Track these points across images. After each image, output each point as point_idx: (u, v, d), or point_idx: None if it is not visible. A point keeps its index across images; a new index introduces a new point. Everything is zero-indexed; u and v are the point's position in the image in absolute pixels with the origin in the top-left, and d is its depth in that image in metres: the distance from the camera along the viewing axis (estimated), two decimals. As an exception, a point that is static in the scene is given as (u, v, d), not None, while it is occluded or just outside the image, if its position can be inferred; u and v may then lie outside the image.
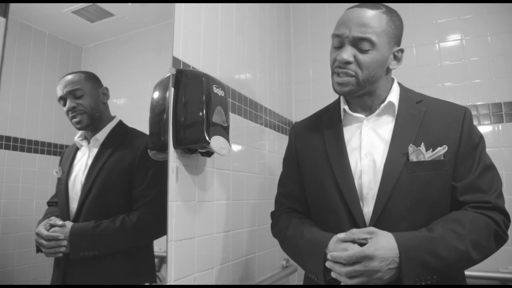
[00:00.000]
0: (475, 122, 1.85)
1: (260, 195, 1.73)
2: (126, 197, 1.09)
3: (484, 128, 1.83)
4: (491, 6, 1.90)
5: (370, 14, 0.96)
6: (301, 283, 2.05)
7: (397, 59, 1.03)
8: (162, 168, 1.14)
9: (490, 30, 1.89)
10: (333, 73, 1.02)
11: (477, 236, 0.88)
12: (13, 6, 0.87)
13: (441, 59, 1.96)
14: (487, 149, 1.01)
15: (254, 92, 1.75)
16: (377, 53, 0.96)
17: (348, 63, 0.97)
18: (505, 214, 0.94)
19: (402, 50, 1.03)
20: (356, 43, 0.96)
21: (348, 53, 0.96)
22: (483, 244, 0.88)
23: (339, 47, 1.00)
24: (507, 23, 1.87)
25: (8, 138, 0.88)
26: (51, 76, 0.99)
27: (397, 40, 1.01)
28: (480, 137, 1.00)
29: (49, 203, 0.99)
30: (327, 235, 0.95)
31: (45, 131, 0.97)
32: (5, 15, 0.85)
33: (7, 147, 0.87)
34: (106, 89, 1.08)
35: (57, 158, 1.01)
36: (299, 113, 2.23)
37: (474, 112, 1.87)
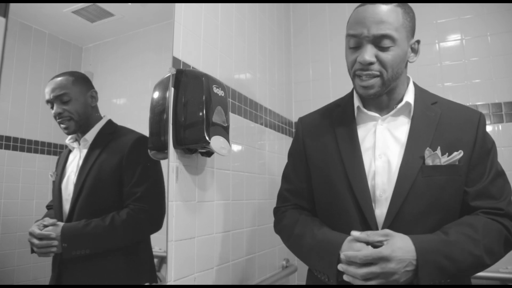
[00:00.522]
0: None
1: (260, 195, 1.73)
2: (117, 195, 1.09)
3: (484, 128, 1.83)
4: (491, 6, 1.90)
5: (386, 9, 0.92)
6: (301, 283, 2.05)
7: (415, 51, 1.00)
8: (151, 164, 1.14)
9: (490, 30, 1.89)
10: (354, 75, 0.98)
11: (490, 241, 0.87)
12: (13, 6, 0.87)
13: (441, 59, 1.96)
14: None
15: (254, 92, 1.75)
16: (398, 49, 0.93)
17: (371, 63, 0.93)
18: None
19: (418, 41, 1.00)
20: (377, 41, 0.92)
21: (369, 53, 0.92)
22: (495, 250, 0.88)
23: (356, 47, 0.96)
24: (507, 23, 1.86)
25: (8, 138, 0.88)
26: (51, 76, 0.99)
27: (413, 32, 0.99)
28: (493, 143, 0.99)
29: (48, 207, 0.99)
30: (340, 235, 0.93)
31: (45, 131, 0.97)
32: (5, 15, 0.85)
33: (7, 147, 0.87)
34: (95, 92, 1.07)
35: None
36: (299, 113, 2.21)
37: (474, 112, 1.87)
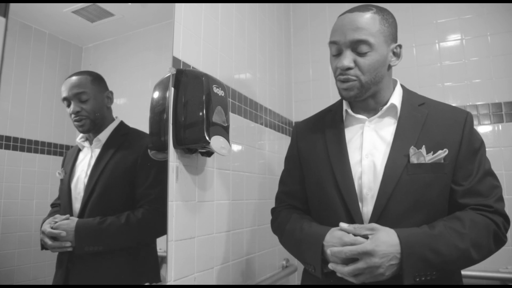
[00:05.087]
0: (475, 122, 1.86)
1: (260, 195, 1.73)
2: (128, 196, 1.10)
3: (484, 128, 1.83)
4: (491, 6, 1.90)
5: (362, 16, 0.97)
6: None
7: (397, 55, 1.03)
8: (163, 168, 1.14)
9: (490, 30, 1.89)
10: (337, 80, 1.03)
11: (477, 235, 0.89)
12: (13, 6, 0.87)
13: (441, 59, 1.96)
14: (487, 149, 1.02)
15: (254, 92, 1.75)
16: (376, 54, 0.97)
17: (349, 68, 0.98)
18: (505, 217, 0.96)
19: (400, 46, 1.03)
20: (354, 47, 0.97)
21: (348, 59, 0.97)
22: (483, 244, 0.90)
23: (337, 54, 1.01)
24: (507, 23, 1.86)
25: (8, 138, 0.88)
26: (51, 76, 0.99)
27: (393, 37, 1.02)
28: (481, 142, 1.01)
29: (53, 205, 0.99)
30: (325, 228, 0.97)
31: (45, 131, 0.97)
32: (5, 15, 0.85)
33: (7, 147, 0.87)
34: (111, 93, 1.08)
35: (57, 158, 1.01)
36: (299, 113, 2.23)
37: (474, 112, 1.87)
